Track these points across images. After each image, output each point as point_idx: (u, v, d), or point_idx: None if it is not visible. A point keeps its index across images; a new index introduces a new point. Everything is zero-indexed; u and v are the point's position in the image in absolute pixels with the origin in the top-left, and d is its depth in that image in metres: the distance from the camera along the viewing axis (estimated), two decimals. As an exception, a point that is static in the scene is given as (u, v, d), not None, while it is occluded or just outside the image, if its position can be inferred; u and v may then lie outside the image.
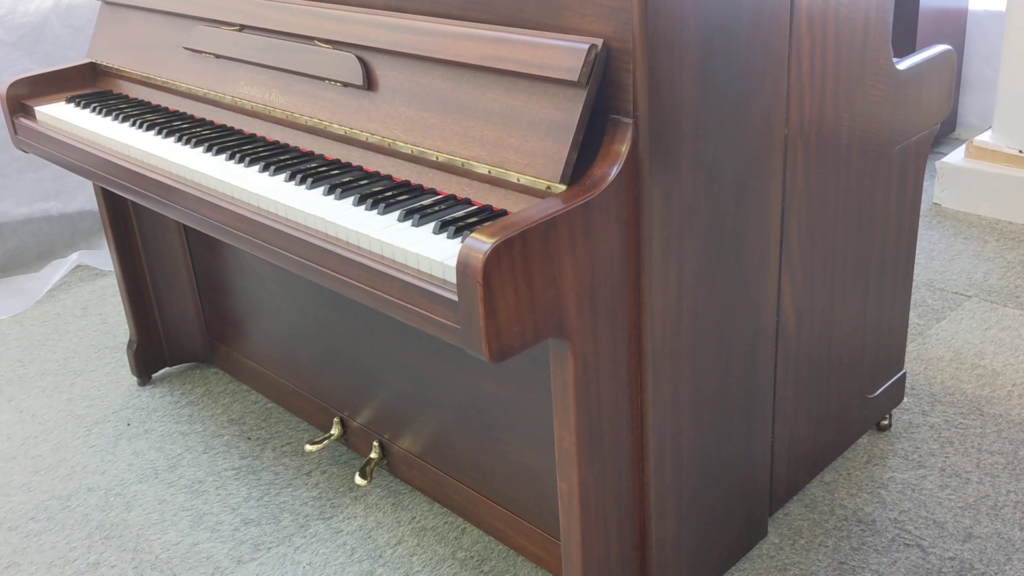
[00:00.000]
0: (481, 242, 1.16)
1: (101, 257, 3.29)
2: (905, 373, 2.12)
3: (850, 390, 1.95)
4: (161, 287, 2.47)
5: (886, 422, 2.12)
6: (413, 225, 1.36)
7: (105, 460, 2.23)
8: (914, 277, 2.80)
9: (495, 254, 1.15)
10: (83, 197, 3.30)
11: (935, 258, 2.95)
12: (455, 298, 1.22)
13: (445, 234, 1.32)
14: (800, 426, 1.83)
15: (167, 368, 2.58)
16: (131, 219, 2.38)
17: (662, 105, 1.28)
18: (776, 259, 1.60)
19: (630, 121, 1.27)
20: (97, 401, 2.48)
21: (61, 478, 2.17)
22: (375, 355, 1.96)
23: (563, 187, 1.29)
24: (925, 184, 3.42)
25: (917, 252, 2.94)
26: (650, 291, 1.37)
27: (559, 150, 1.29)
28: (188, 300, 2.50)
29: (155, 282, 2.46)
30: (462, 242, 1.28)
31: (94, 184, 2.35)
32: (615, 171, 1.27)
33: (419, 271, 1.29)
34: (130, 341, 2.51)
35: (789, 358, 1.73)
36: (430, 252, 1.28)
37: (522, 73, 1.33)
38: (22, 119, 2.14)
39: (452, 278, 1.24)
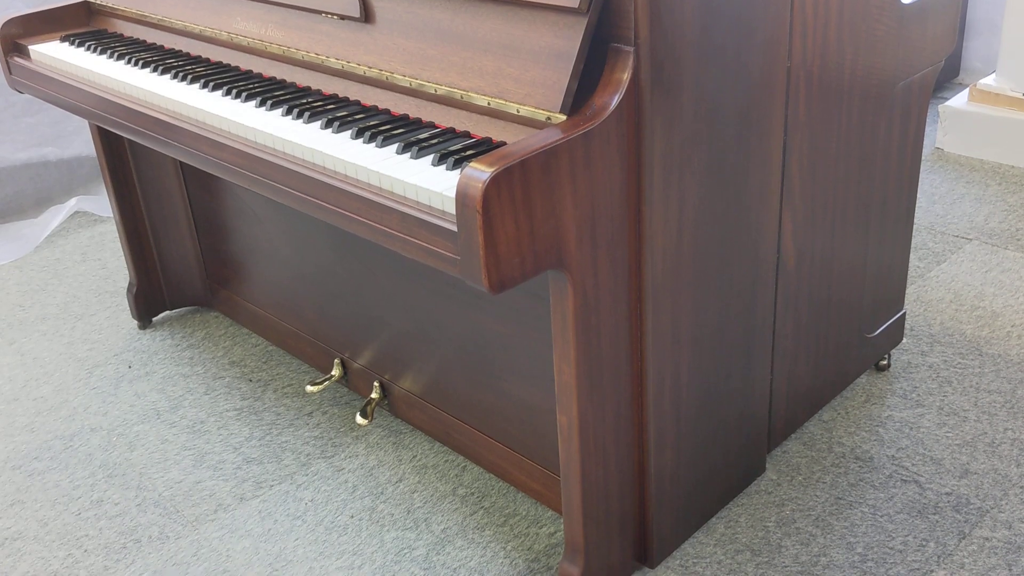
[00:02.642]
0: (480, 171, 1.15)
1: (99, 203, 3.28)
2: (904, 314, 2.12)
3: (849, 329, 1.95)
4: (160, 231, 2.46)
5: (885, 362, 2.13)
6: (412, 157, 1.35)
7: (107, 401, 2.24)
8: (916, 221, 2.79)
9: (494, 183, 1.14)
10: (80, 142, 3.27)
11: (937, 202, 2.94)
12: (455, 229, 1.21)
13: (444, 166, 1.32)
14: (799, 364, 1.84)
15: (167, 312, 2.58)
16: (129, 162, 2.37)
17: (664, 33, 1.26)
18: (777, 195, 1.59)
19: (631, 49, 1.26)
20: (98, 344, 2.48)
21: (63, 419, 2.19)
22: (375, 296, 1.96)
23: (563, 117, 1.27)
24: (928, 129, 3.40)
25: (919, 196, 2.93)
26: (651, 224, 1.36)
27: (559, 79, 1.28)
28: (187, 243, 2.49)
29: (154, 226, 2.45)
30: (461, 173, 1.28)
31: (91, 128, 2.33)
32: (616, 100, 1.26)
33: (418, 202, 1.28)
34: (130, 285, 2.51)
35: (789, 296, 1.73)
36: (429, 183, 1.27)
37: (522, 1, 1.31)
38: (16, 59, 2.12)
39: (451, 209, 1.23)
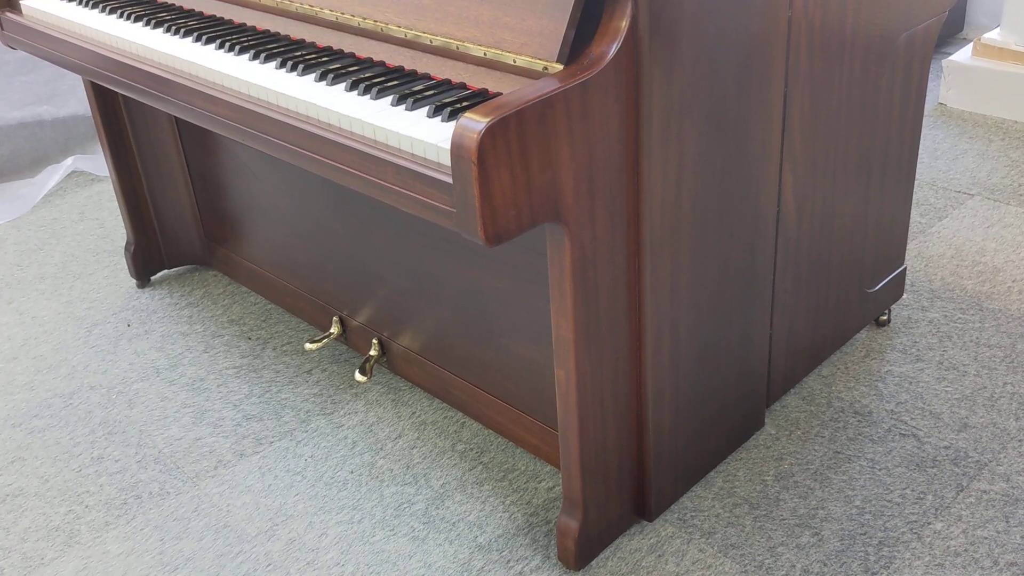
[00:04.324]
0: (475, 121, 1.13)
1: (96, 162, 3.26)
2: (905, 269, 2.11)
3: (849, 284, 1.94)
4: (156, 189, 2.45)
5: (885, 317, 2.12)
6: (407, 109, 1.33)
7: (106, 360, 2.24)
8: (917, 176, 2.77)
9: (490, 133, 1.13)
10: (75, 101, 3.25)
11: (939, 157, 2.92)
12: (450, 181, 1.20)
13: (439, 117, 1.30)
14: (799, 319, 1.83)
15: (165, 271, 2.57)
16: (124, 120, 2.35)
17: (662, -19, 1.24)
18: (778, 148, 1.57)
19: (629, -3, 1.23)
20: (96, 303, 2.48)
21: (63, 377, 2.19)
22: (373, 253, 1.95)
23: (560, 67, 1.25)
24: (931, 84, 3.36)
25: (921, 152, 2.91)
26: (649, 176, 1.35)
27: (556, 28, 1.25)
28: (184, 202, 2.48)
29: (150, 184, 2.44)
30: (456, 124, 1.26)
31: (86, 85, 2.30)
32: (614, 49, 1.24)
33: (413, 155, 1.27)
34: (127, 243, 2.50)
35: (789, 250, 1.72)
36: (424, 135, 1.25)
37: (517, -51, 1.29)
38: (8, 13, 2.09)
39: (447, 161, 1.22)
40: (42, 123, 3.22)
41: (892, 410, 1.88)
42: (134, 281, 2.55)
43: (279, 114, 1.44)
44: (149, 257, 2.52)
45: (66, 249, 2.78)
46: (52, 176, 3.19)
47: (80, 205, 3.05)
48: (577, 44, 1.26)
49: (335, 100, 1.39)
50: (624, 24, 1.24)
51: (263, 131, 1.48)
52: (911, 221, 2.54)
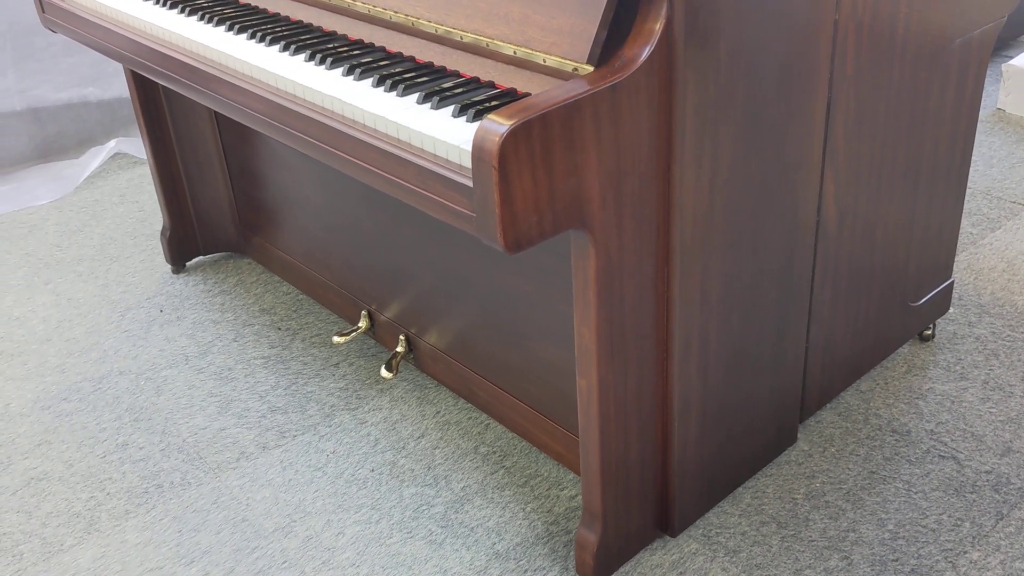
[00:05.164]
0: (498, 124, 1.09)
1: (139, 145, 3.27)
2: (953, 282, 2.03)
3: (892, 297, 1.87)
4: (193, 175, 2.45)
5: (929, 332, 2.04)
6: (432, 108, 1.30)
7: (137, 345, 2.24)
8: (971, 185, 2.68)
9: (512, 137, 1.09)
10: (120, 84, 3.26)
11: (995, 165, 2.81)
12: (471, 184, 1.16)
13: (464, 118, 1.26)
14: (837, 332, 1.77)
15: (200, 257, 2.57)
16: (163, 105, 2.34)
17: (699, -19, 1.19)
18: (819, 154, 1.51)
19: (664, -2, 1.18)
20: (131, 287, 2.49)
21: (94, 361, 2.20)
22: (402, 249, 1.92)
23: (591, 69, 1.21)
24: (990, 89, 3.25)
25: (976, 159, 2.81)
26: (681, 183, 1.30)
27: (587, 28, 1.21)
28: (220, 189, 2.47)
29: (187, 170, 2.44)
30: (478, 126, 1.22)
31: (125, 69, 2.30)
32: (647, 52, 1.19)
33: (435, 155, 1.23)
34: (163, 229, 2.50)
35: (828, 260, 1.65)
36: (447, 136, 1.22)
37: (551, -55, 1.25)
38: (49, -3, 2.09)
39: (468, 163, 1.18)
40: (87, 104, 3.24)
41: (932, 430, 1.81)
42: (169, 266, 2.56)
43: (305, 108, 1.41)
44: (185, 243, 2.52)
45: (105, 231, 2.79)
46: (96, 157, 3.21)
47: (121, 188, 3.07)
48: (609, 45, 1.22)
49: (361, 96, 1.36)
50: (658, 26, 1.19)
51: (290, 125, 1.45)
52: (961, 232, 2.45)
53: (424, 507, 1.71)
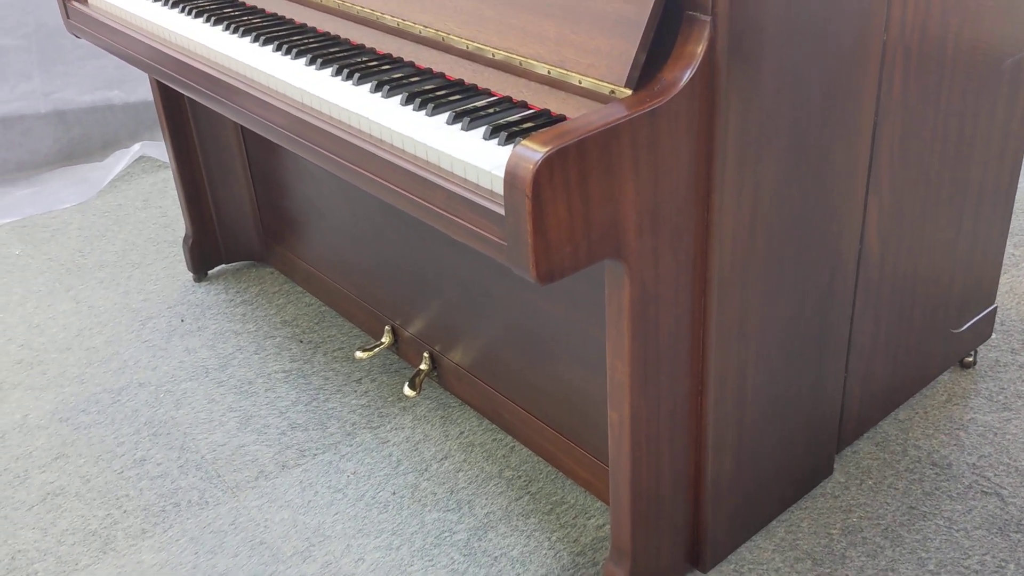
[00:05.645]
0: (532, 151, 1.04)
1: (164, 148, 3.24)
2: (996, 308, 1.96)
3: (934, 324, 1.81)
4: (217, 182, 2.41)
5: (971, 359, 1.97)
6: (463, 129, 1.25)
7: (157, 356, 2.21)
8: (1016, 207, 2.60)
9: (547, 164, 1.04)
10: (146, 87, 3.24)
11: (1037, 183, 2.73)
12: (503, 212, 1.11)
13: (496, 140, 1.21)
14: (876, 361, 1.70)
15: (223, 265, 2.54)
16: (187, 111, 2.31)
17: (746, 1, 1.13)
18: (863, 182, 1.45)
19: (708, 19, 1.13)
20: (153, 295, 2.45)
21: (113, 372, 2.16)
22: (428, 264, 1.88)
23: (628, 92, 1.16)
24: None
25: (1022, 182, 2.72)
26: (720, 211, 1.24)
27: (626, 49, 1.16)
28: (244, 197, 2.44)
29: (211, 177, 2.40)
30: (512, 151, 1.17)
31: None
32: (688, 75, 1.14)
33: (465, 180, 1.18)
34: (186, 236, 2.47)
35: (870, 289, 1.59)
36: (478, 159, 1.17)
37: (589, -39, 1.19)
38: (74, 3, 2.06)
39: (500, 189, 1.13)
40: (112, 107, 3.22)
41: (974, 464, 1.74)
42: (191, 274, 2.52)
43: (331, 125, 1.37)
44: (207, 251, 2.49)
45: (127, 237, 2.77)
46: (120, 161, 3.19)
47: (145, 192, 3.04)
48: (647, 67, 1.16)
49: (388, 114, 1.31)
50: (700, 48, 1.13)
51: (315, 142, 1.41)
52: (1005, 254, 2.37)
53: (446, 533, 1.66)
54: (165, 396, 2.07)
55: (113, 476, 1.85)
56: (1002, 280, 2.27)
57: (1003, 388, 1.92)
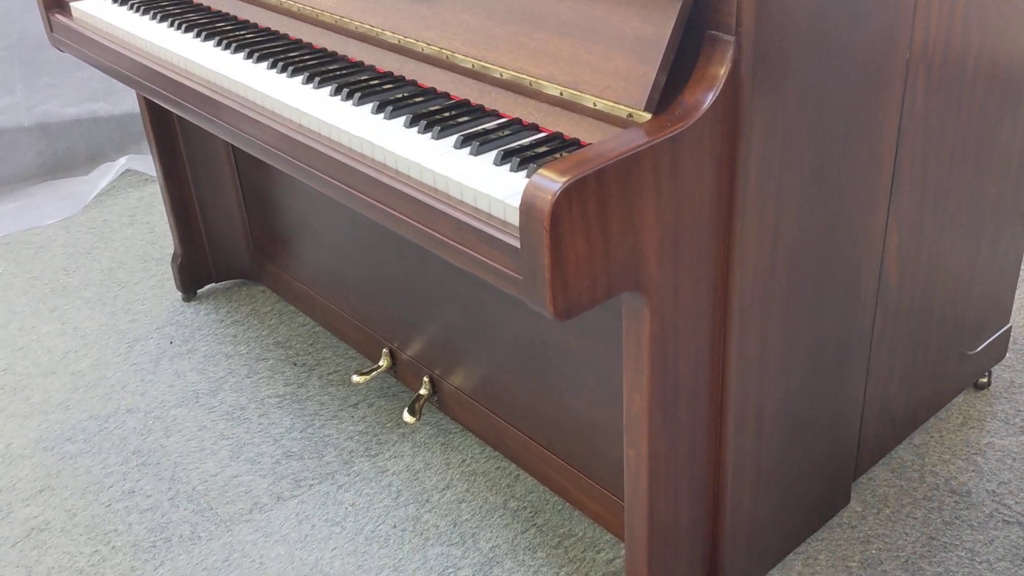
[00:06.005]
0: (550, 180, 0.98)
1: (150, 162, 3.16)
2: (1011, 327, 1.91)
3: (950, 346, 1.75)
4: (206, 199, 2.34)
5: (985, 380, 1.92)
6: (471, 153, 1.18)
7: (146, 380, 2.13)
8: None
9: (566, 195, 0.98)
10: (132, 99, 3.16)
11: (1043, 195, 2.69)
12: (517, 244, 1.05)
13: (508, 166, 1.15)
14: (892, 385, 1.65)
15: (213, 284, 2.47)
16: (175, 125, 2.24)
17: (771, 20, 1.07)
18: (885, 204, 1.39)
19: (731, 39, 1.07)
20: (140, 316, 2.38)
21: (100, 397, 2.09)
22: (428, 285, 1.81)
23: (647, 116, 1.10)
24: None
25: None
26: (742, 239, 1.18)
27: (645, 71, 1.10)
28: (234, 213, 2.37)
29: (200, 193, 2.33)
30: (527, 177, 1.11)
31: (137, 87, 2.20)
32: (710, 98, 1.08)
33: (476, 208, 1.12)
34: (175, 255, 2.39)
35: (888, 313, 1.54)
36: (489, 187, 1.10)
37: (605, -22, 1.13)
38: (58, 16, 1.99)
39: (514, 220, 1.07)
40: (97, 120, 3.14)
41: (994, 491, 1.69)
42: (180, 294, 2.45)
43: (330, 148, 1.30)
44: (196, 270, 2.41)
45: (113, 254, 2.69)
46: (105, 175, 3.11)
47: (131, 207, 2.96)
48: (666, 89, 1.10)
49: (392, 137, 1.25)
50: (723, 70, 1.08)
51: (313, 166, 1.34)
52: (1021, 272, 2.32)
53: (450, 569, 1.60)
54: (154, 423, 2.00)
55: (101, 509, 1.78)
56: (1016, 296, 2.21)
57: (1019, 410, 1.87)
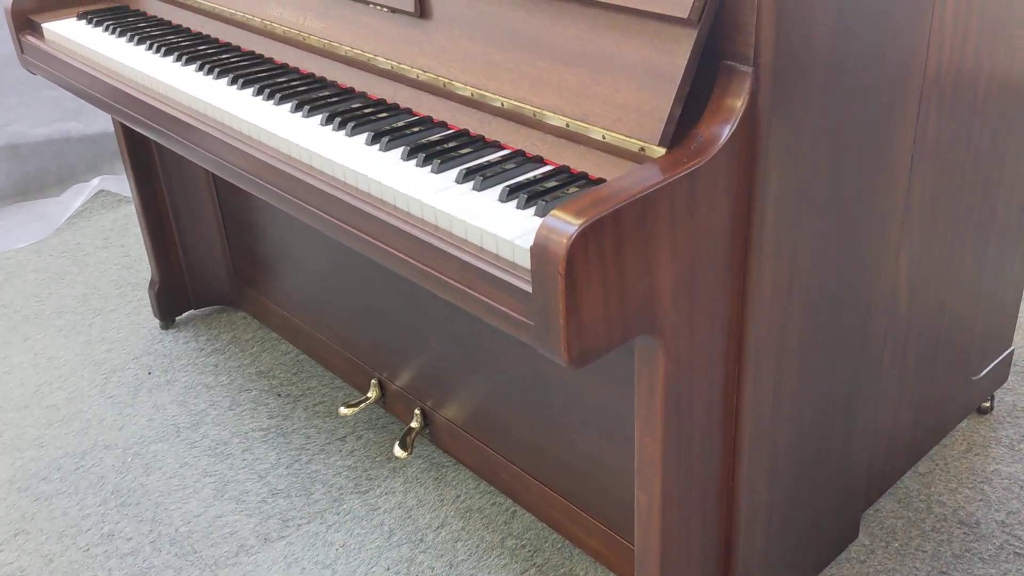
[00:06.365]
0: (565, 222, 0.92)
1: (124, 183, 3.08)
2: (1013, 351, 1.88)
3: (955, 373, 1.72)
4: (184, 222, 2.26)
5: (988, 405, 1.89)
6: (475, 188, 1.13)
7: (124, 414, 2.05)
8: None
9: (582, 238, 0.92)
10: (105, 118, 3.07)
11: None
12: (527, 288, 0.99)
13: (515, 202, 1.09)
14: (901, 416, 1.61)
15: (192, 311, 2.39)
16: (152, 147, 2.16)
17: (791, 50, 1.03)
18: (897, 230, 1.35)
19: (749, 70, 1.02)
20: (117, 345, 2.30)
21: (76, 432, 2.01)
22: (418, 312, 1.75)
23: (661, 150, 1.04)
24: None
25: None
26: (758, 275, 1.13)
27: (659, 104, 1.04)
28: (214, 237, 2.29)
29: (178, 216, 2.25)
30: (535, 214, 1.06)
31: (111, 110, 2.12)
32: (727, 132, 1.03)
33: (481, 248, 1.06)
34: (152, 282, 2.31)
35: (898, 343, 1.50)
36: (496, 226, 1.05)
37: (614, 5, 1.08)
38: (29, 37, 1.91)
39: (523, 261, 1.01)
40: (69, 140, 3.05)
41: (1003, 521, 1.65)
42: (158, 321, 2.37)
43: (323, 182, 1.24)
44: (174, 296, 2.34)
45: (88, 280, 2.60)
46: (78, 196, 3.02)
47: (105, 229, 2.88)
48: (678, 121, 1.05)
49: (389, 171, 1.19)
50: (740, 103, 1.03)
51: (303, 199, 1.28)
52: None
53: (448, 614, 1.54)
54: (134, 460, 1.92)
55: (79, 555, 1.70)
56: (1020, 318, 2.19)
57: (1023, 435, 1.84)
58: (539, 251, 0.94)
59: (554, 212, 0.94)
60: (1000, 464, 1.77)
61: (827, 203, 1.19)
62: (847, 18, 1.08)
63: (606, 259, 0.95)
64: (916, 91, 1.25)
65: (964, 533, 1.63)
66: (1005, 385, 1.96)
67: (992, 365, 1.83)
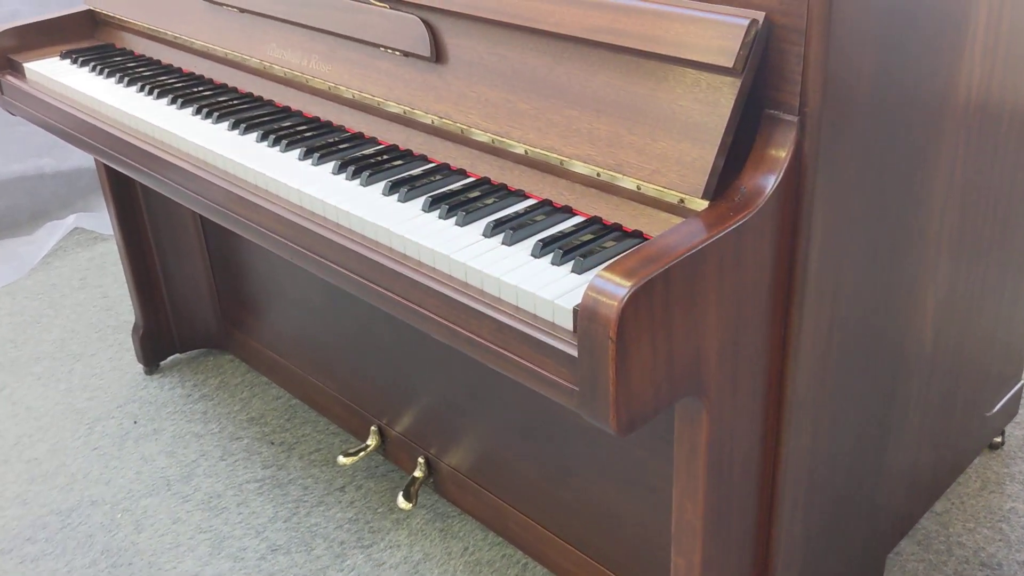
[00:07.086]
0: (616, 285, 0.88)
1: (100, 220, 2.99)
2: (1023, 385, 1.86)
3: (972, 409, 1.69)
4: (169, 260, 2.18)
5: (999, 440, 1.87)
6: (505, 242, 1.08)
7: (110, 467, 1.97)
8: None
9: (633, 301, 0.87)
10: (80, 153, 2.99)
11: None
12: (570, 351, 0.94)
13: (549, 257, 1.04)
14: (922, 457, 1.58)
15: (177, 355, 2.31)
16: (135, 186, 2.09)
17: (838, 99, 0.99)
18: (928, 272, 1.32)
19: (794, 119, 0.98)
20: (99, 392, 2.21)
21: (60, 488, 1.92)
22: (422, 358, 1.69)
23: (704, 203, 1.00)
24: None
25: None
26: (799, 328, 1.09)
27: (701, 155, 1.00)
28: (200, 276, 2.21)
29: (162, 255, 2.17)
30: (573, 271, 1.01)
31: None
32: (772, 183, 0.99)
33: (518, 308, 1.01)
34: (135, 327, 2.23)
35: (921, 383, 1.46)
36: (533, 285, 1.00)
37: (649, 52, 1.04)
38: (9, 77, 1.84)
39: (564, 323, 0.96)
40: (43, 176, 2.96)
41: (1025, 562, 1.62)
42: (141, 366, 2.28)
43: (340, 236, 1.18)
44: (159, 340, 2.25)
45: (65, 323, 2.51)
46: (52, 234, 2.92)
47: (82, 269, 2.78)
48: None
49: (412, 224, 1.13)
50: (786, 154, 0.99)
51: (321, 254, 1.22)
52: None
53: (465, 677, 1.47)
54: (123, 516, 1.84)
55: (70, 621, 1.61)
56: (1013, 348, 2.18)
57: (1037, 471, 1.82)
58: (588, 314, 0.89)
59: (601, 273, 0.89)
60: (1016, 502, 1.75)
61: (866, 248, 1.15)
62: (887, 61, 1.05)
63: (656, 321, 0.91)
64: (949, 130, 1.22)
65: (986, 575, 1.60)
66: (1015, 419, 1.94)
67: (1004, 400, 1.81)
